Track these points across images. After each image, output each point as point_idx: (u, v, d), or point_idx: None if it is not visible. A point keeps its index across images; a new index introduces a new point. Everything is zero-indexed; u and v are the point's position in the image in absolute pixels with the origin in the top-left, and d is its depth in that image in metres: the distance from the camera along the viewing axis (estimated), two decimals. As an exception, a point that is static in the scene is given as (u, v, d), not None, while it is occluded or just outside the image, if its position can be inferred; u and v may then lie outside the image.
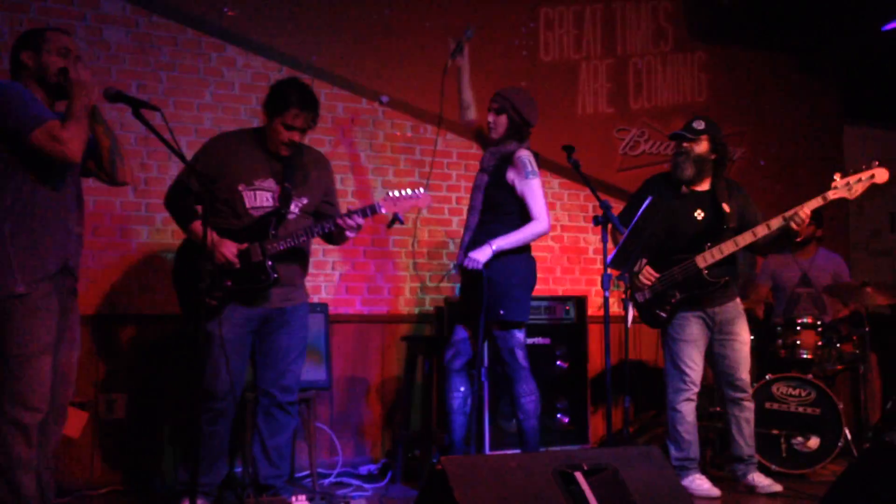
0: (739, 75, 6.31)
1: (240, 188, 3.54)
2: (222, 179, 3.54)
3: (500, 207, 3.89)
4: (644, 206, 3.90)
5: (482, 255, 3.81)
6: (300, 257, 3.72)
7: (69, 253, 3.00)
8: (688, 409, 4.18)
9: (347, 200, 4.84)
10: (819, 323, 4.94)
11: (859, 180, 3.93)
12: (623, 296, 4.93)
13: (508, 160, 3.88)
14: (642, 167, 5.89)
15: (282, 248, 3.52)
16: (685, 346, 4.17)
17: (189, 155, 3.68)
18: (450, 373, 4.01)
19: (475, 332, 3.88)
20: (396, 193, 3.58)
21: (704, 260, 4.10)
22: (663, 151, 5.99)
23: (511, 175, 3.87)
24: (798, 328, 4.92)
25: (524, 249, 3.93)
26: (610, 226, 3.79)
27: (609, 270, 3.81)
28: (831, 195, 3.96)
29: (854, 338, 5.11)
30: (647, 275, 4.18)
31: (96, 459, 4.30)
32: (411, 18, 5.27)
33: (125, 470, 4.35)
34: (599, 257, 5.46)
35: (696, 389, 4.19)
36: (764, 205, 6.00)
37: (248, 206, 3.55)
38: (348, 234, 3.59)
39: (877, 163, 3.96)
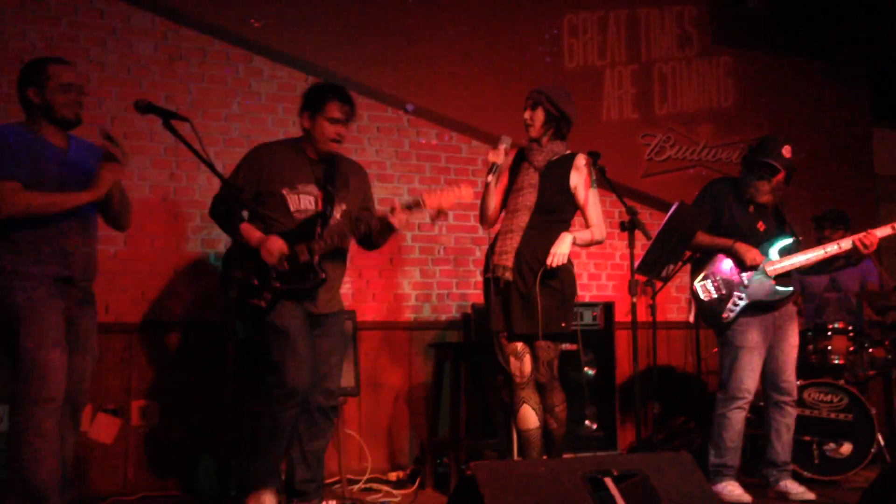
0: (766, 80, 6.27)
1: (283, 191, 3.59)
2: (266, 185, 3.59)
3: (555, 211, 3.75)
4: (671, 211, 3.89)
5: (566, 247, 3.64)
6: (340, 264, 3.76)
7: (71, 268, 3.16)
8: (737, 418, 4.10)
9: (404, 226, 4.85)
10: (850, 328, 4.89)
11: None
12: (650, 302, 4.93)
13: (570, 164, 3.77)
14: (668, 172, 5.88)
15: (328, 248, 3.56)
16: (745, 354, 4.09)
17: (218, 165, 3.72)
18: (525, 386, 3.72)
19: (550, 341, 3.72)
20: (440, 188, 3.66)
21: (775, 270, 4.10)
22: (689, 157, 5.97)
23: (574, 180, 3.76)
24: (829, 333, 4.87)
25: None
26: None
27: (636, 276, 3.80)
28: None
29: (886, 342, 5.05)
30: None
31: (129, 466, 4.35)
32: (435, 27, 5.31)
33: (157, 476, 4.39)
34: (626, 263, 5.44)
35: (750, 399, 4.11)
36: (793, 210, 5.97)
37: (292, 209, 3.59)
38: (396, 225, 3.58)
39: None
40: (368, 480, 4.58)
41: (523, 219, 3.71)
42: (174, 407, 4.45)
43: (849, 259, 4.19)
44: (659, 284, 4.83)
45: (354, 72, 5.05)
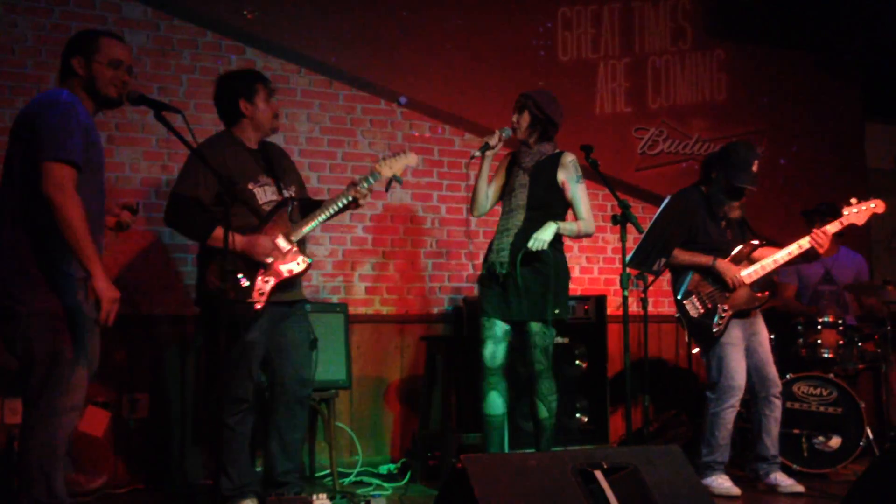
0: (759, 74, 6.27)
1: (250, 186, 3.61)
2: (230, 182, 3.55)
3: (547, 208, 3.87)
4: (663, 205, 3.91)
5: (548, 234, 3.76)
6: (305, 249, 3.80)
7: None
8: (730, 417, 4.15)
9: (367, 200, 4.85)
10: (840, 322, 4.91)
11: (865, 208, 4.26)
12: (642, 295, 4.94)
13: (556, 162, 3.90)
14: (661, 166, 5.88)
15: (304, 231, 3.63)
16: (732, 350, 4.15)
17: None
18: (494, 373, 3.88)
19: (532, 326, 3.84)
20: (388, 156, 3.83)
21: (749, 277, 4.19)
22: (682, 151, 5.98)
23: (562, 177, 3.88)
24: (819, 327, 4.90)
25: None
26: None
27: (628, 269, 3.81)
28: (845, 221, 4.26)
29: (876, 337, 5.07)
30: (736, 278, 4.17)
31: (119, 458, 4.34)
32: (429, 20, 5.29)
33: (147, 469, 4.39)
34: (618, 256, 5.45)
35: (741, 395, 4.16)
36: (784, 204, 6.00)
37: (260, 201, 3.62)
38: (361, 202, 3.72)
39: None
40: (359, 474, 4.58)
41: (519, 217, 3.85)
42: (164, 400, 4.45)
43: (806, 256, 4.43)
44: (651, 278, 4.84)
45: (347, 64, 5.04)
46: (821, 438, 4.64)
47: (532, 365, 3.81)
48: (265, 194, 3.63)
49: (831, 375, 4.76)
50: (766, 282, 4.29)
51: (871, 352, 5.07)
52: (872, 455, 4.67)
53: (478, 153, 3.87)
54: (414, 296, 5.11)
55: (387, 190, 3.89)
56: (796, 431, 4.63)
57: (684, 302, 4.24)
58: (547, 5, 5.67)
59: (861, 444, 4.60)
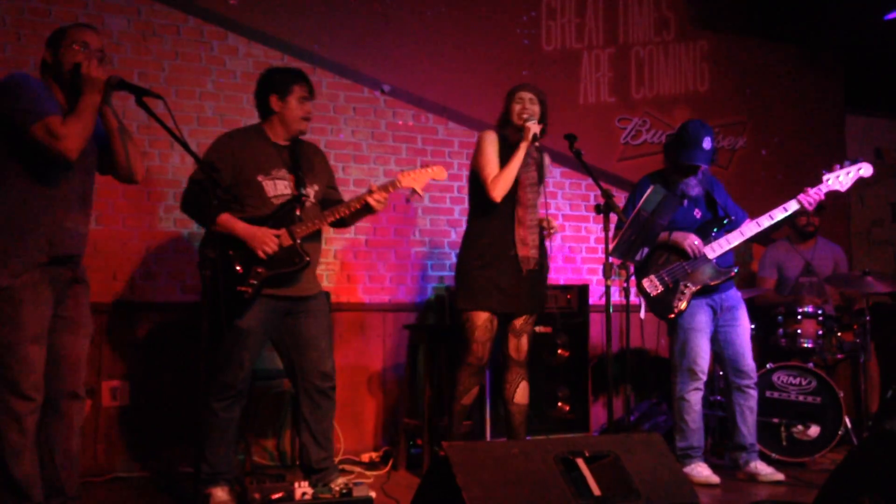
0: (741, 64, 6.30)
1: (259, 178, 3.62)
2: (239, 173, 3.60)
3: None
4: (646, 194, 3.92)
5: None
6: (318, 245, 3.79)
7: (65, 248, 3.02)
8: (696, 399, 4.20)
9: (349, 189, 4.84)
10: (820, 312, 4.96)
11: (848, 174, 4.23)
12: (624, 285, 4.96)
13: (543, 160, 4.12)
14: (644, 156, 5.90)
15: (310, 230, 3.62)
16: (695, 335, 4.19)
17: (192, 144, 3.67)
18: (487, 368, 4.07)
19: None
20: (414, 168, 3.80)
21: (713, 251, 4.17)
22: (665, 141, 5.99)
23: (545, 175, 4.14)
24: (799, 317, 4.94)
25: None
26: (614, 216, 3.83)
27: (611, 259, 3.82)
28: (824, 188, 4.23)
29: (854, 326, 5.12)
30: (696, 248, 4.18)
31: (99, 446, 4.32)
32: (412, 7, 5.27)
33: (128, 457, 4.37)
34: (601, 246, 5.47)
35: (705, 379, 4.22)
36: (765, 194, 6.03)
37: (269, 195, 3.62)
38: (374, 206, 3.66)
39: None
40: (341, 462, 4.58)
41: (536, 215, 3.95)
42: (145, 388, 4.43)
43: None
44: (633, 268, 4.86)
45: (330, 51, 5.01)
46: (800, 427, 4.69)
47: (513, 359, 4.04)
48: (275, 187, 3.63)
49: (810, 365, 4.80)
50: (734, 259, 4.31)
51: (850, 342, 5.12)
52: (850, 444, 4.72)
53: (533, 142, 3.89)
54: (396, 284, 5.11)
55: (407, 202, 3.91)
56: (775, 420, 4.68)
57: (643, 281, 4.26)
58: (531, -6, 5.66)
59: (839, 433, 4.66)
